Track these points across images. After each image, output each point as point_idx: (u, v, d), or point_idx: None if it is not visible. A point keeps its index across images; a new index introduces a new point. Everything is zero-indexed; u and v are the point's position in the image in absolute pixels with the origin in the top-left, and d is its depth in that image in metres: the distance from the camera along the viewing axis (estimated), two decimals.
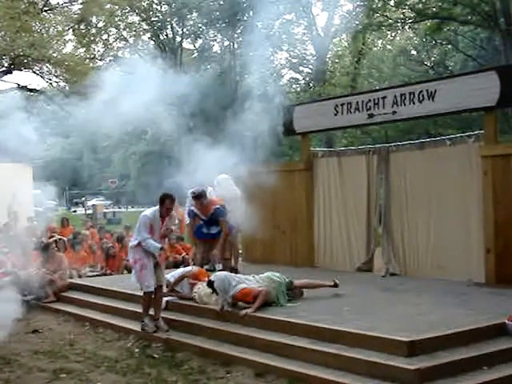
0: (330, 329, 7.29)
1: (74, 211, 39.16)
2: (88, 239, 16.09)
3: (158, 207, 8.91)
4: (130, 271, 13.78)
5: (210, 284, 8.76)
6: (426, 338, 6.68)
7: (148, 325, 8.91)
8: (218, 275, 8.90)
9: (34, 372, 7.65)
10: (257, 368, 7.22)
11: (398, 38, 38.72)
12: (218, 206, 11.04)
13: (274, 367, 7.11)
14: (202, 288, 9.25)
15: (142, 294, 9.16)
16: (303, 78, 41.52)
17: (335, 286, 9.37)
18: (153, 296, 9.00)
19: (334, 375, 6.57)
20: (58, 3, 33.10)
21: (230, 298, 8.59)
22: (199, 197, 11.00)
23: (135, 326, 9.30)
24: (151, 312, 9.05)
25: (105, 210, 37.64)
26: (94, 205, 39.88)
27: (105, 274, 13.92)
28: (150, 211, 8.98)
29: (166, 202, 8.88)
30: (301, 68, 41.10)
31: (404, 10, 29.22)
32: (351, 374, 6.50)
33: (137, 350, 8.43)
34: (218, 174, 11.54)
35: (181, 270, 10.19)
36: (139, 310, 9.76)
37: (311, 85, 37.70)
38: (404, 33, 36.40)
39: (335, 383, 6.45)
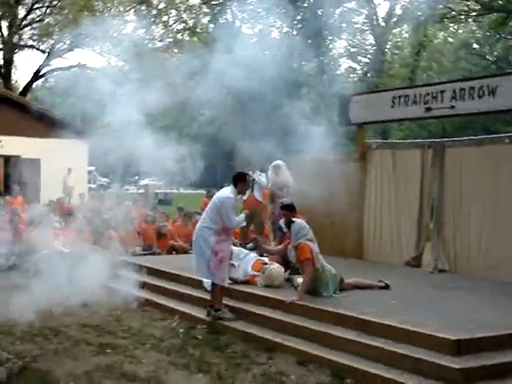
0: (376, 322, 7.24)
1: (127, 190, 39.70)
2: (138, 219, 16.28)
3: (231, 187, 8.71)
4: (177, 252, 13.96)
5: (289, 223, 8.77)
6: (474, 337, 6.58)
7: (226, 313, 8.61)
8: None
9: (81, 345, 7.82)
10: (299, 356, 7.24)
11: (460, 31, 38.01)
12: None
13: (316, 356, 7.12)
14: (274, 266, 9.34)
15: (207, 283, 9.16)
16: (361, 68, 41.16)
17: (386, 287, 9.23)
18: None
19: (377, 369, 6.53)
20: None
21: (294, 247, 8.62)
22: (292, 209, 9.96)
23: (180, 307, 9.43)
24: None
25: (157, 190, 38.05)
26: (146, 184, 40.36)
27: (154, 253, 14.08)
28: (229, 192, 8.67)
29: (247, 179, 8.89)
30: (359, 58, 40.74)
31: (468, 2, 28.61)
32: (395, 369, 6.45)
33: (181, 331, 8.54)
34: (273, 160, 11.52)
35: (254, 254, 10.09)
36: (184, 290, 9.91)
37: (369, 75, 37.34)
38: (467, 26, 35.69)
39: (378, 377, 6.41)
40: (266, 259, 9.81)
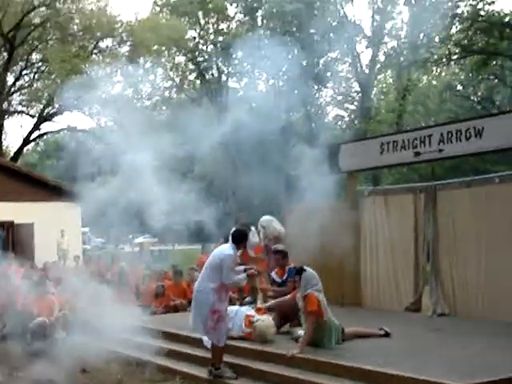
0: (379, 371, 7.16)
1: (122, 248, 39.56)
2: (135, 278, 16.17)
3: (231, 244, 8.54)
4: (176, 310, 13.82)
5: (300, 270, 8.58)
6: (480, 382, 6.51)
7: (227, 372, 8.40)
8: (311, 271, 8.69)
9: None
10: None
11: (443, 74, 38.59)
12: (290, 266, 10.10)
13: None
14: (261, 319, 9.17)
15: (206, 341, 8.95)
16: (348, 115, 41.60)
17: (386, 335, 9.12)
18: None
19: None
20: (107, 46, 34.02)
21: (302, 297, 8.50)
22: (284, 256, 10.21)
23: (181, 367, 9.29)
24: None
25: (152, 248, 37.93)
26: (141, 242, 40.25)
27: (154, 313, 13.94)
28: (230, 249, 8.48)
29: (248, 237, 8.82)
30: (346, 105, 41.21)
31: (449, 46, 29.13)
32: None
33: None
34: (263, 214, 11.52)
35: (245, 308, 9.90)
36: (184, 350, 9.79)
37: (356, 122, 37.73)
38: (450, 68, 36.26)
39: None
40: (253, 312, 9.56)
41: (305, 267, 8.73)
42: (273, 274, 10.35)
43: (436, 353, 8.03)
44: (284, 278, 10.15)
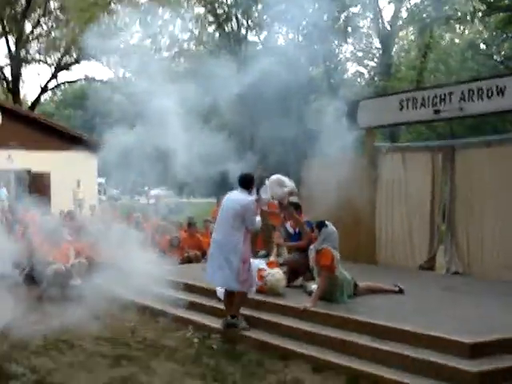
0: (390, 327, 7.20)
1: (138, 200, 39.72)
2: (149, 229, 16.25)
3: (243, 191, 8.48)
4: (190, 262, 13.91)
5: (322, 224, 8.58)
6: (489, 340, 6.54)
7: (242, 322, 8.43)
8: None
9: (96, 357, 7.81)
10: (315, 363, 7.20)
11: (466, 32, 37.91)
12: (307, 220, 10.08)
13: (332, 363, 7.08)
14: (271, 273, 9.21)
15: (220, 292, 9.14)
16: (368, 72, 41.09)
17: (400, 291, 9.15)
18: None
19: (392, 374, 6.50)
20: None
21: (316, 250, 8.53)
22: (296, 208, 10.12)
23: (194, 316, 9.40)
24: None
25: (167, 200, 38.02)
26: (156, 194, 40.37)
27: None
28: (247, 195, 8.45)
29: (254, 180, 8.68)
30: (366, 62, 40.68)
31: (474, 3, 28.52)
32: (410, 374, 6.42)
33: (196, 341, 8.51)
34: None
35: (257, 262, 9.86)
36: (197, 300, 9.88)
37: (376, 79, 37.28)
38: (473, 26, 35.58)
39: (394, 382, 6.38)
40: (265, 266, 9.57)
41: (327, 222, 8.71)
42: (287, 226, 10.33)
43: (448, 311, 8.05)
44: (297, 230, 10.13)
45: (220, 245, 8.45)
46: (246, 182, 8.56)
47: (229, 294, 8.68)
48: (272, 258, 10.31)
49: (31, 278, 10.96)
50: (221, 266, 8.40)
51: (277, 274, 9.26)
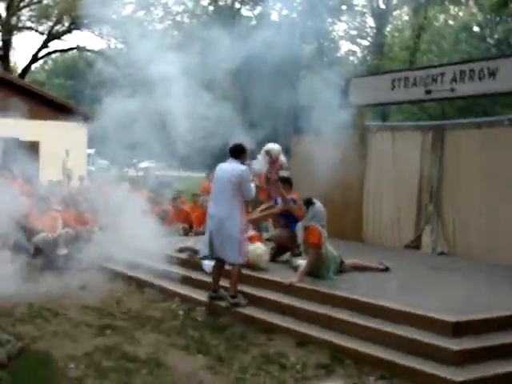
0: (374, 304, 7.26)
1: (127, 172, 39.60)
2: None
3: (235, 160, 8.43)
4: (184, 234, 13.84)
5: (309, 202, 8.59)
6: (472, 319, 6.61)
7: (241, 299, 8.37)
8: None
9: (80, 327, 7.84)
10: (298, 337, 7.26)
11: (461, 14, 37.82)
12: (292, 196, 9.92)
13: (315, 338, 7.14)
14: (252, 248, 9.11)
15: (207, 265, 9.21)
16: (361, 51, 40.99)
17: (386, 269, 9.20)
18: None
19: (375, 350, 6.57)
20: None
21: (304, 228, 8.55)
22: (285, 182, 9.98)
23: (180, 289, 9.43)
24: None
25: (156, 173, 37.94)
26: (146, 167, 40.25)
27: None
28: (239, 164, 8.40)
29: (246, 149, 8.66)
30: (359, 40, 40.56)
31: None
32: (393, 351, 6.48)
33: (181, 313, 8.56)
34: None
35: None
36: (185, 272, 9.90)
37: (368, 58, 37.20)
38: (468, 8, 35.50)
39: (377, 358, 6.45)
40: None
41: (314, 200, 8.72)
42: (279, 202, 10.32)
43: (432, 289, 8.13)
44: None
45: (220, 219, 8.32)
46: (237, 152, 8.52)
47: (219, 267, 8.64)
48: (250, 232, 10.10)
49: (18, 246, 10.92)
50: (223, 242, 8.32)
51: (257, 250, 9.20)
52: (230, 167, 8.45)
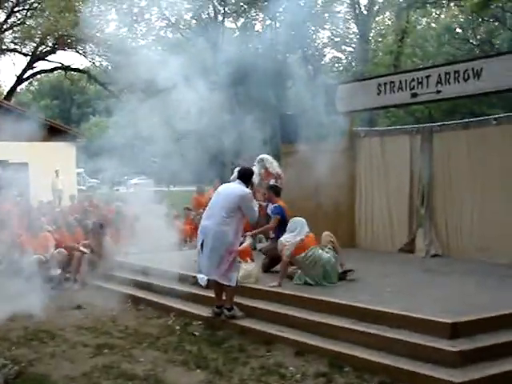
0: (371, 309, 7.24)
1: (117, 190, 39.55)
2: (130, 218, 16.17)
3: (240, 183, 8.46)
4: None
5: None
6: (469, 320, 6.60)
7: (238, 312, 8.34)
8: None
9: (77, 347, 7.79)
10: (297, 347, 7.24)
11: (442, 16, 38.04)
12: (277, 205, 10.11)
13: (314, 347, 7.12)
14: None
15: (201, 279, 9.06)
16: (346, 57, 41.15)
17: (350, 271, 9.14)
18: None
19: (375, 356, 6.54)
20: None
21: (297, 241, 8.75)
22: (276, 192, 10.24)
23: (175, 304, 9.39)
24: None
25: (147, 189, 37.89)
26: (136, 183, 40.20)
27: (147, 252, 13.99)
28: (244, 187, 8.42)
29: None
30: (343, 47, 40.72)
31: None
32: (393, 355, 6.46)
33: (177, 328, 8.52)
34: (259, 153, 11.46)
35: None
36: (179, 287, 9.86)
37: (353, 64, 37.35)
38: (449, 10, 35.73)
39: (376, 364, 6.42)
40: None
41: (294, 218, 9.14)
42: (269, 209, 10.38)
43: (428, 292, 8.13)
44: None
45: (209, 234, 8.23)
46: (246, 176, 8.63)
47: (218, 282, 8.46)
48: (245, 243, 10.04)
49: (11, 269, 10.86)
50: (211, 253, 8.23)
51: (244, 271, 9.06)
52: (235, 186, 8.49)
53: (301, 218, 9.09)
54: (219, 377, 6.56)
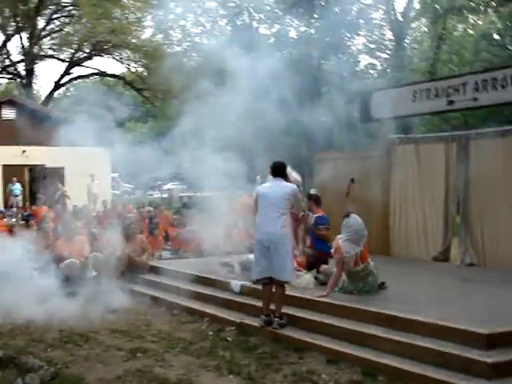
0: (405, 318, 7.17)
1: (151, 195, 39.85)
2: (164, 223, 16.31)
3: (276, 179, 8.39)
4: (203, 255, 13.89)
5: (346, 215, 8.63)
6: (506, 331, 6.51)
7: (284, 320, 8.19)
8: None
9: (111, 350, 7.85)
10: (329, 355, 7.20)
11: (480, 22, 37.65)
12: (323, 215, 10.18)
13: (347, 354, 7.08)
14: (301, 277, 9.19)
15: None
16: (381, 64, 40.91)
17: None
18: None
19: (408, 365, 6.48)
20: None
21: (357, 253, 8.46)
22: (310, 198, 10.33)
23: (209, 309, 9.43)
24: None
25: (181, 194, 38.15)
26: (169, 189, 40.48)
27: (181, 257, 14.08)
28: (285, 182, 8.39)
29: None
30: (378, 53, 40.50)
31: None
32: (425, 365, 6.39)
33: (210, 333, 8.53)
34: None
35: None
36: (212, 293, 9.90)
37: (389, 70, 37.14)
38: (487, 17, 35.34)
39: (409, 373, 6.36)
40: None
41: (350, 214, 8.74)
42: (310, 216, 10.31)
43: (463, 301, 8.04)
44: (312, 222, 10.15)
45: (278, 236, 8.09)
46: (282, 170, 8.47)
47: (269, 290, 8.32)
48: (298, 257, 9.94)
49: (48, 273, 11.00)
50: (283, 258, 8.09)
51: (305, 280, 9.20)
52: (280, 185, 8.34)
53: (360, 220, 8.67)
54: (252, 383, 6.55)
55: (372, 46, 39.79)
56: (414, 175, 12.26)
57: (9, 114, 28.04)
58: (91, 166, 23.55)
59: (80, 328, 8.86)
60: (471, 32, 38.43)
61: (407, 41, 38.23)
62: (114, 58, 36.95)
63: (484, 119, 28.68)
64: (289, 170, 10.30)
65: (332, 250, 8.68)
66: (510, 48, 34.86)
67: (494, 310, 7.48)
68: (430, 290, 8.85)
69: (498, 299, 8.16)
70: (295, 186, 8.51)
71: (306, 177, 11.56)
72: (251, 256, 9.31)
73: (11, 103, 28.82)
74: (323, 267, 9.15)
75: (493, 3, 28.30)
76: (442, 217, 11.80)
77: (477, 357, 6.14)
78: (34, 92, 42.19)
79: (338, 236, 8.58)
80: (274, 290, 8.31)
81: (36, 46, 38.07)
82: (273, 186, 8.41)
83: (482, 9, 29.73)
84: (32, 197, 25.31)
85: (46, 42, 39.28)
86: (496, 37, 36.20)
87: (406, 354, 6.67)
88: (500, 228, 10.82)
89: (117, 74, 39.39)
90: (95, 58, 38.58)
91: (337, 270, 8.51)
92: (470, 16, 34.40)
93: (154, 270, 12.11)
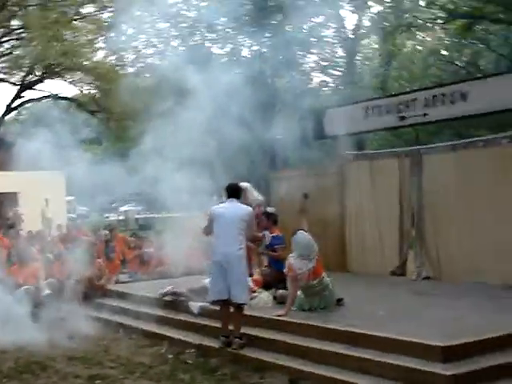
0: (364, 334, 7.22)
1: (107, 217, 39.45)
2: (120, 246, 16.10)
3: (236, 201, 8.42)
4: (161, 277, 13.78)
5: (293, 233, 8.71)
6: (462, 343, 6.59)
7: (244, 340, 8.20)
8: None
9: (69, 378, 7.71)
10: (291, 374, 7.19)
11: (428, 39, 38.39)
12: (280, 235, 10.20)
13: (308, 373, 7.07)
14: (259, 296, 9.27)
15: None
16: (333, 81, 41.35)
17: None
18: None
19: (369, 381, 6.51)
20: (88, 12, 33.47)
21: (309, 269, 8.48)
22: (274, 220, 10.37)
23: (168, 332, 9.34)
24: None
25: (137, 216, 37.87)
26: (126, 210, 40.18)
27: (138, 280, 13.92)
28: (242, 204, 8.46)
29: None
30: (330, 71, 40.94)
31: (434, 10, 28.93)
32: (387, 380, 6.43)
33: (170, 356, 8.45)
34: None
35: None
36: (171, 315, 9.81)
37: (341, 87, 37.54)
38: (435, 33, 36.07)
39: None
40: (251, 284, 9.41)
41: (298, 231, 8.84)
42: (265, 233, 10.29)
43: (420, 315, 8.12)
44: (268, 242, 10.15)
45: (234, 257, 8.12)
46: (237, 192, 8.53)
47: (226, 310, 8.35)
48: (255, 275, 10.10)
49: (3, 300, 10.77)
50: (238, 280, 8.11)
51: (264, 299, 9.27)
52: (237, 207, 8.36)
53: (307, 236, 8.73)
54: None
55: (324, 63, 40.23)
56: (369, 191, 12.39)
57: None
58: (46, 190, 23.21)
59: (37, 356, 8.69)
60: (420, 48, 39.12)
61: (358, 58, 38.72)
62: (66, 80, 36.60)
63: (435, 134, 29.15)
64: (250, 188, 10.36)
65: (285, 270, 8.71)
66: (457, 63, 35.60)
67: (452, 323, 7.57)
68: (387, 304, 8.92)
69: (453, 312, 8.26)
70: (250, 209, 8.55)
71: (264, 195, 11.55)
72: (206, 281, 9.28)
73: None
74: (279, 292, 9.13)
75: (439, 20, 28.86)
76: (398, 231, 11.93)
77: (435, 370, 6.21)
78: None
79: (290, 255, 8.64)
80: (232, 310, 8.29)
81: None
82: (228, 207, 8.39)
83: (430, 26, 30.29)
84: None
85: None
86: (444, 52, 36.92)
87: (366, 370, 6.71)
88: (454, 241, 10.97)
89: (69, 96, 38.99)
90: (47, 81, 38.13)
91: (292, 288, 8.53)
92: (418, 33, 34.99)
93: (112, 294, 11.96)
